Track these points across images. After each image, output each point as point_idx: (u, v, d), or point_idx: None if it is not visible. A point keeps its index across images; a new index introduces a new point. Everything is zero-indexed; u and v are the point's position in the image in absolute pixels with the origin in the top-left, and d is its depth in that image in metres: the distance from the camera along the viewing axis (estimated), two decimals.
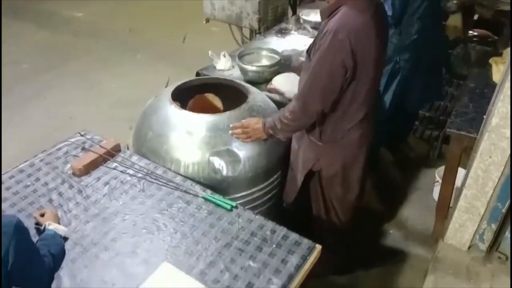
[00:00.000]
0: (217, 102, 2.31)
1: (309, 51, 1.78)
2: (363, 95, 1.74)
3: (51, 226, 1.45)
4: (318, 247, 1.51)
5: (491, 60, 2.66)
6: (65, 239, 1.48)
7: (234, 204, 1.66)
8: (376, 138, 2.08)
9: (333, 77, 1.64)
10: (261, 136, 1.91)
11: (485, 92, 2.36)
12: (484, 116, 2.04)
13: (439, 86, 3.15)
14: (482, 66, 2.65)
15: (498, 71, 2.51)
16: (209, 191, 1.72)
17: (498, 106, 1.59)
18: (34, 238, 1.37)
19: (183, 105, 2.14)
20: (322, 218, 2.11)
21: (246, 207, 1.73)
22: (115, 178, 1.78)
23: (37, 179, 1.75)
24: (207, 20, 3.56)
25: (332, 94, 1.69)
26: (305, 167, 1.96)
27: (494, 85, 2.25)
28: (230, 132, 1.91)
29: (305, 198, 2.10)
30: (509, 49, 2.57)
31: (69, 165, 1.81)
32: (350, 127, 1.83)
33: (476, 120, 2.13)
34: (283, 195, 2.17)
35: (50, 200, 1.66)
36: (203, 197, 1.68)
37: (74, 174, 1.78)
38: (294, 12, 3.73)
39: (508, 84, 1.50)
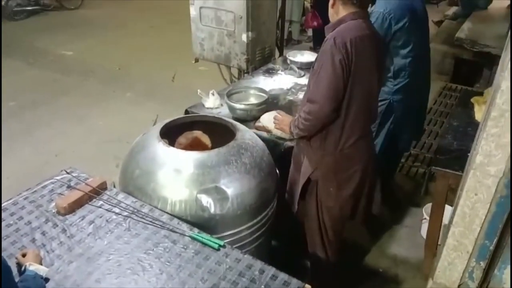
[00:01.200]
0: (206, 139, 2.32)
1: (313, 64, 1.94)
2: (356, 109, 1.87)
3: (32, 266, 1.41)
4: (308, 287, 1.48)
5: (473, 100, 2.74)
6: (47, 280, 1.43)
7: (221, 243, 1.63)
8: None
9: (336, 75, 1.78)
10: (285, 129, 2.10)
11: (468, 131, 2.41)
12: (469, 154, 2.08)
13: (421, 125, 3.24)
14: (464, 106, 2.72)
15: (480, 110, 2.58)
16: (196, 230, 1.69)
17: (482, 144, 1.62)
18: (15, 279, 1.32)
19: (172, 143, 2.14)
20: (314, 235, 2.17)
21: (234, 246, 1.71)
22: (101, 217, 1.75)
23: (20, 218, 1.71)
24: (196, 60, 3.63)
25: (336, 92, 1.80)
26: (304, 175, 2.05)
27: (476, 124, 2.31)
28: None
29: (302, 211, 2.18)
30: (489, 88, 2.66)
31: (53, 203, 1.78)
32: (347, 141, 1.93)
33: (460, 158, 2.17)
34: (285, 197, 2.24)
35: (33, 240, 1.62)
36: (190, 236, 1.66)
37: (58, 212, 1.74)
38: (281, 53, 3.84)
39: (490, 122, 1.54)
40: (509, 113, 1.35)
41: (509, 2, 5.80)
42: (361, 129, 1.96)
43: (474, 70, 5.11)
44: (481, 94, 2.81)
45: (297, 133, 1.98)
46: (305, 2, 6.58)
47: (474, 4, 5.95)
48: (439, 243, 2.33)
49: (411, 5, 2.57)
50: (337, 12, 1.89)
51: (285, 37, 5.36)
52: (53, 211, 1.75)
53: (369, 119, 2.03)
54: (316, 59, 1.93)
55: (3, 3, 7.32)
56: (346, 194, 2.04)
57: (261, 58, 3.42)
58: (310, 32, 6.75)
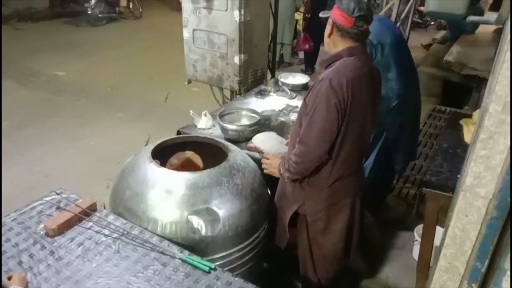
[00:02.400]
0: (198, 160, 2.32)
1: (306, 97, 1.88)
2: (348, 149, 1.83)
3: None
4: None
5: (462, 121, 2.77)
6: None
7: (212, 265, 1.61)
8: None
9: (328, 120, 1.73)
10: (274, 173, 2.02)
11: (458, 152, 2.43)
12: (458, 176, 2.09)
13: (416, 146, 3.27)
14: (453, 127, 2.76)
15: (469, 131, 2.61)
16: (186, 252, 1.67)
17: (471, 166, 1.63)
18: None
19: (163, 163, 2.13)
20: (307, 267, 2.13)
21: (225, 268, 1.69)
22: (90, 239, 1.72)
23: (8, 240, 1.68)
24: (189, 81, 3.65)
25: (329, 136, 1.76)
26: (291, 208, 2.01)
27: (466, 145, 2.33)
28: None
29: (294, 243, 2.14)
30: (478, 111, 2.70)
31: (42, 225, 1.75)
32: (337, 179, 1.89)
33: (451, 179, 2.18)
34: (275, 241, 2.18)
35: (20, 262, 1.58)
36: (180, 258, 1.64)
37: (47, 234, 1.71)
38: (273, 75, 3.88)
39: (479, 144, 1.56)
40: (497, 135, 1.37)
41: (495, 27, 5.95)
42: (352, 167, 1.92)
43: (463, 93, 5.21)
44: (469, 116, 2.85)
45: (288, 176, 1.92)
46: (297, 26, 6.71)
47: (462, 29, 6.10)
48: (431, 265, 2.33)
49: (392, 29, 2.64)
50: (334, 43, 1.82)
51: (277, 59, 5.44)
52: (42, 232, 1.72)
53: (360, 156, 2.00)
54: (309, 90, 1.87)
55: (89, 11, 8.92)
56: (337, 228, 2.00)
57: (253, 80, 3.46)
58: (301, 55, 6.85)
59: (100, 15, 9.11)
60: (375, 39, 2.52)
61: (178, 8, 3.75)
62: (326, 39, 1.86)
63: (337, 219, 1.98)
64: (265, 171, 2.08)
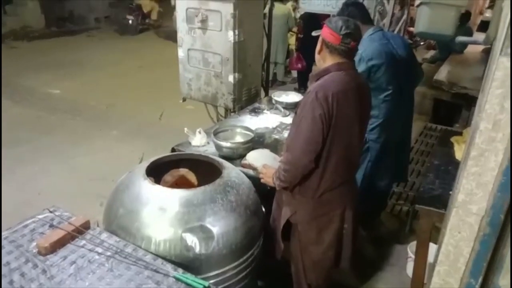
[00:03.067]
0: (192, 177, 2.32)
1: (296, 110, 1.97)
2: (336, 160, 1.89)
3: None
4: None
5: (452, 139, 2.81)
6: None
7: (206, 284, 1.59)
8: None
9: (313, 130, 1.80)
10: (269, 182, 2.08)
11: (449, 169, 2.46)
12: (451, 192, 2.11)
13: (406, 165, 3.28)
14: (444, 145, 2.79)
15: (460, 149, 2.65)
16: (180, 270, 1.66)
17: (463, 183, 1.65)
18: None
19: (158, 181, 2.13)
20: (298, 275, 2.16)
21: (220, 286, 1.68)
22: (83, 257, 1.70)
23: None
24: (184, 99, 3.68)
25: (314, 146, 1.82)
26: (284, 217, 2.05)
27: (457, 163, 2.36)
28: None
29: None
30: (468, 128, 2.74)
31: (34, 243, 1.73)
32: (326, 189, 1.94)
33: (443, 196, 2.20)
34: (272, 252, 2.20)
35: (11, 282, 1.56)
36: (174, 277, 1.62)
37: (39, 252, 1.69)
38: (267, 94, 3.93)
39: (470, 162, 1.58)
40: (488, 152, 1.40)
41: (483, 47, 6.08)
42: (341, 177, 1.98)
43: (453, 111, 5.29)
44: (460, 134, 2.89)
45: (278, 184, 1.99)
46: (290, 45, 6.81)
47: (451, 48, 6.23)
48: (425, 281, 2.32)
49: (390, 50, 2.67)
50: (323, 59, 1.92)
51: (271, 78, 5.50)
52: (34, 251, 1.70)
53: (350, 167, 2.04)
54: (300, 103, 1.96)
55: (130, 22, 10.64)
56: (328, 238, 2.04)
57: (247, 98, 3.49)
58: (294, 74, 6.94)
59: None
60: (370, 59, 2.57)
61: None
62: (316, 55, 1.96)
63: (328, 229, 2.03)
64: (262, 180, 2.16)
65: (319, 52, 1.92)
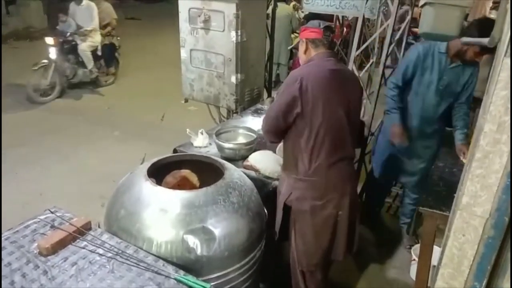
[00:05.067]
0: (194, 178, 2.31)
1: None
2: (322, 139, 1.98)
3: None
4: None
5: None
6: None
7: (208, 285, 1.58)
8: None
9: (280, 107, 1.97)
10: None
11: (454, 171, 2.45)
12: (455, 195, 2.09)
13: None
14: (449, 147, 2.78)
15: None
16: (182, 272, 1.65)
17: (467, 185, 1.63)
18: None
19: (159, 182, 2.12)
20: (293, 257, 2.19)
21: None
22: (84, 258, 1.69)
23: None
24: (186, 100, 3.67)
25: (274, 120, 2.01)
26: (281, 200, 2.13)
27: (462, 164, 2.34)
28: None
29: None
30: (473, 130, 2.73)
31: (36, 244, 1.72)
32: (318, 168, 2.00)
33: (447, 198, 2.18)
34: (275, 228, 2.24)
35: (12, 282, 1.55)
36: (175, 279, 1.61)
37: (40, 253, 1.69)
38: (269, 94, 3.91)
39: (475, 163, 1.57)
40: (493, 154, 1.38)
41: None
42: (332, 157, 2.02)
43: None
44: None
45: (265, 138, 2.18)
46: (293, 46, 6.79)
47: None
48: (429, 284, 2.30)
49: (422, 54, 2.88)
50: (309, 55, 2.08)
51: (273, 79, 5.49)
52: (35, 252, 1.70)
53: (341, 150, 2.05)
54: None
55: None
56: (320, 222, 2.06)
57: (249, 99, 3.48)
58: None
59: None
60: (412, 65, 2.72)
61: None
62: (302, 56, 2.11)
63: (321, 213, 2.05)
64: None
65: (305, 52, 2.09)
